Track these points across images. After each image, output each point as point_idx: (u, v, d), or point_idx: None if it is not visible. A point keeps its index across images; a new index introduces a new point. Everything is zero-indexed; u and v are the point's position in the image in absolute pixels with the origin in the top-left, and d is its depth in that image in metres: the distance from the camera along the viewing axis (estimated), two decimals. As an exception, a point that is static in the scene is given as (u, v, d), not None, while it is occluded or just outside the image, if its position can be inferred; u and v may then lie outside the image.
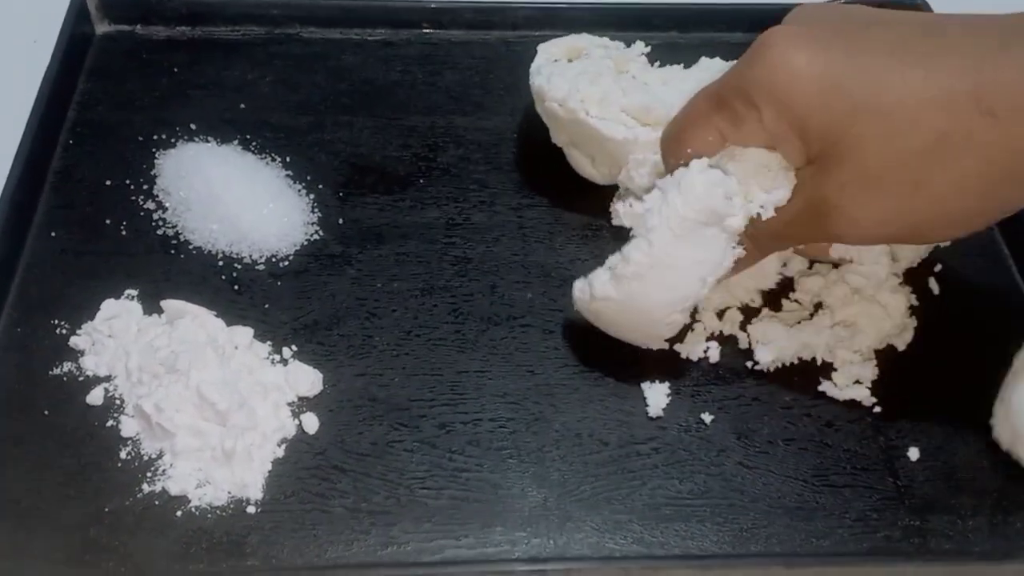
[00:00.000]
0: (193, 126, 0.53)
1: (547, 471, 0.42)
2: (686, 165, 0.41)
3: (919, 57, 0.36)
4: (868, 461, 0.43)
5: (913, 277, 0.48)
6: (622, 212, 0.45)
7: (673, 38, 0.59)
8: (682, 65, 0.52)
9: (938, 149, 0.36)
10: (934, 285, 0.49)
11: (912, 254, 0.48)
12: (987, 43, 0.36)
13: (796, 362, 0.46)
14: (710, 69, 0.51)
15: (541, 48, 0.52)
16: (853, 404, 0.44)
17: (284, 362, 0.44)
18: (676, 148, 0.42)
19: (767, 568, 0.40)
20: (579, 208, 0.51)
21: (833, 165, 0.38)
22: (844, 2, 0.42)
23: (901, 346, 0.46)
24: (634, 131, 0.47)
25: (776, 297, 0.48)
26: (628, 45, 0.53)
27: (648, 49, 0.53)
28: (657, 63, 0.53)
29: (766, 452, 0.43)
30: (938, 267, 0.49)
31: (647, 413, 0.43)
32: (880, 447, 0.43)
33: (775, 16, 0.58)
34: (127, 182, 0.50)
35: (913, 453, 0.43)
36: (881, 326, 0.46)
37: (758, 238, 0.41)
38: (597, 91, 0.48)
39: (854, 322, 0.46)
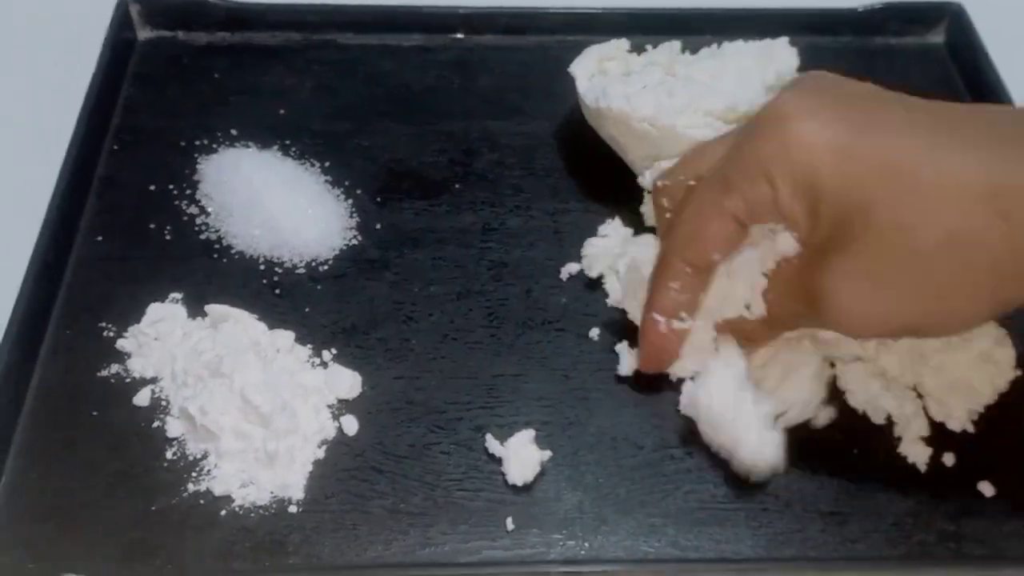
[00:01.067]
0: (234, 131, 0.54)
1: (582, 474, 0.42)
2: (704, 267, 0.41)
3: (936, 148, 0.35)
4: (902, 466, 0.43)
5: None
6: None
7: (708, 42, 0.58)
8: (715, 45, 0.53)
9: (948, 245, 0.35)
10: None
11: None
12: (1003, 141, 0.35)
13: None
14: (752, 51, 0.52)
15: (577, 70, 0.52)
16: (888, 409, 0.45)
17: (324, 365, 0.45)
18: (699, 251, 0.40)
19: (801, 572, 0.40)
20: (614, 213, 0.51)
21: (838, 251, 0.37)
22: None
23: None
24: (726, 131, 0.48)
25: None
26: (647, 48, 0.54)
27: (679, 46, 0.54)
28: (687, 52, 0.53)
29: (800, 456, 0.43)
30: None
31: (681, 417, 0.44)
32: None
33: (811, 20, 0.59)
34: (170, 187, 0.51)
35: (948, 459, 0.43)
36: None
37: (754, 328, 0.42)
38: (678, 102, 0.48)
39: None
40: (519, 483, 0.41)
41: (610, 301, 0.48)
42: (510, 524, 0.40)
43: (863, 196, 0.36)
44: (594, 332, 0.47)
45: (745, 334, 0.43)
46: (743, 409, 0.41)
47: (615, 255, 0.48)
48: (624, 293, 0.46)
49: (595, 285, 0.48)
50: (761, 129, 0.38)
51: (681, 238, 0.41)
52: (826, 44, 0.60)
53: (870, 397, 0.44)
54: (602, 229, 0.50)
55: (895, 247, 0.35)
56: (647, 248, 0.48)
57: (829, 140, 0.36)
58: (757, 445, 0.41)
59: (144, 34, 0.59)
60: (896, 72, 0.59)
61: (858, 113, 0.37)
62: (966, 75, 0.59)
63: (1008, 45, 0.58)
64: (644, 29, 0.59)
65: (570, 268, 0.49)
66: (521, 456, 0.41)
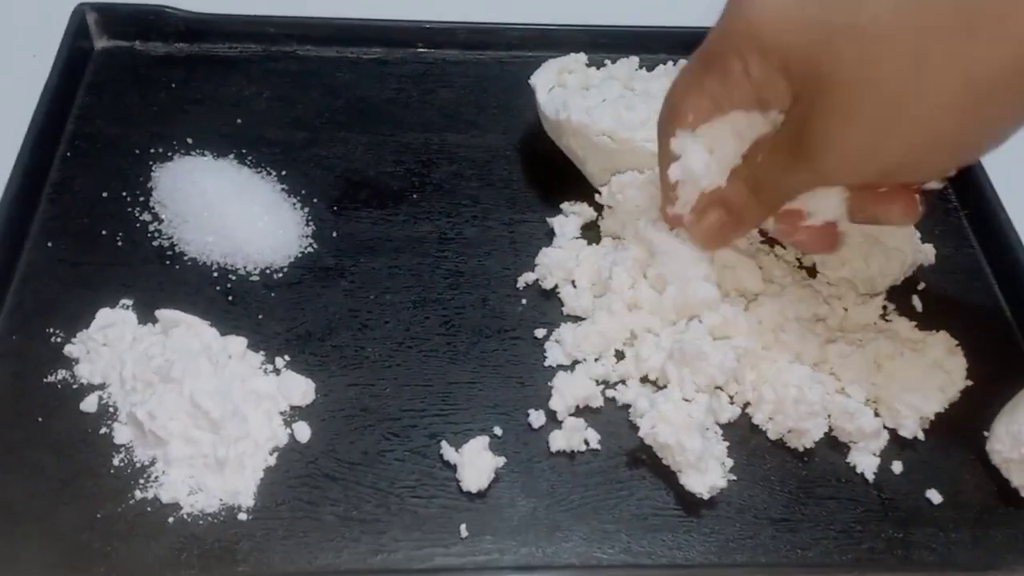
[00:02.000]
0: (190, 140, 0.53)
1: (536, 481, 0.42)
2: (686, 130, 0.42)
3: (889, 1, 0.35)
4: (852, 474, 0.43)
5: (896, 295, 0.49)
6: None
7: (663, 60, 0.59)
8: (671, 63, 0.54)
9: (915, 69, 0.35)
10: (917, 303, 0.49)
11: (897, 271, 0.49)
12: None
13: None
14: None
15: (538, 82, 0.53)
16: (838, 418, 0.45)
17: (277, 372, 0.44)
18: (673, 119, 0.43)
19: (753, 578, 0.41)
20: (570, 224, 0.51)
21: (816, 98, 0.38)
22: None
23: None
24: None
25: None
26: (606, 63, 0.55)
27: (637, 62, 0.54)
28: (643, 69, 0.55)
29: (752, 464, 0.43)
30: (921, 285, 0.50)
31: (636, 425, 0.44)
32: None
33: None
34: (123, 194, 0.51)
35: (897, 467, 0.44)
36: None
37: (759, 190, 0.42)
38: (637, 116, 0.49)
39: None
40: (473, 490, 0.41)
41: (565, 310, 0.48)
42: (464, 531, 0.40)
43: (825, 45, 0.37)
44: (549, 340, 0.47)
45: (729, 204, 0.44)
46: (696, 447, 0.41)
47: (570, 266, 0.49)
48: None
49: (550, 294, 0.49)
50: (728, 9, 0.40)
51: (664, 113, 0.44)
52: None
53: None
54: (557, 240, 0.50)
55: (865, 77, 0.36)
56: (602, 257, 0.48)
57: (788, 7, 0.38)
58: (703, 482, 0.41)
59: (101, 43, 0.58)
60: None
61: None
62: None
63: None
64: (600, 47, 0.59)
65: (526, 277, 0.49)
66: (475, 463, 0.41)
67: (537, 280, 0.49)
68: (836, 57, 0.37)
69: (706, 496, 0.41)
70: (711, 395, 0.44)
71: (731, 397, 0.45)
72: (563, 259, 0.49)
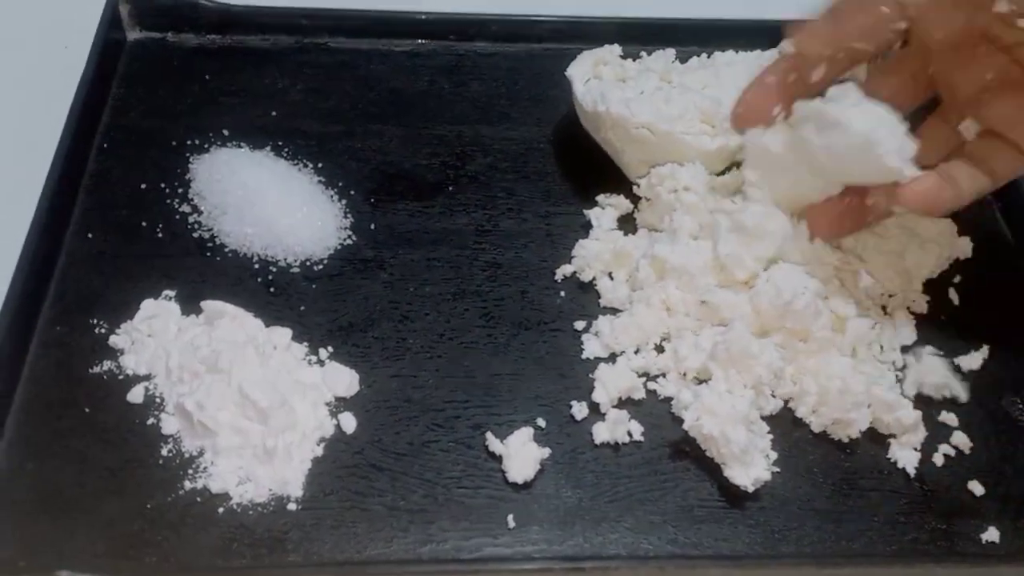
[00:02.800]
0: (226, 132, 0.54)
1: (581, 472, 0.42)
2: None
3: None
4: (894, 467, 0.43)
5: (934, 287, 0.49)
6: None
7: (696, 52, 0.59)
8: (705, 56, 0.55)
9: None
10: (954, 296, 0.50)
11: (933, 263, 0.49)
12: None
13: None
14: (744, 61, 0.53)
15: (574, 74, 0.53)
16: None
17: (321, 363, 0.44)
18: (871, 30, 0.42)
19: (799, 568, 0.41)
20: (606, 216, 0.51)
21: None
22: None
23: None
24: (721, 139, 0.49)
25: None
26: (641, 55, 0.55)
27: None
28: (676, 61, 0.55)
29: (796, 456, 0.43)
30: (957, 278, 0.50)
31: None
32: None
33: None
34: (162, 186, 0.51)
35: (938, 459, 0.44)
36: None
37: (984, 160, 0.43)
38: (675, 108, 0.49)
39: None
40: (519, 481, 0.41)
41: (603, 302, 0.48)
42: (511, 521, 0.40)
43: None
44: (589, 332, 0.47)
45: (956, 180, 0.43)
46: (741, 440, 0.41)
47: (607, 258, 0.49)
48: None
49: (588, 287, 0.49)
50: None
51: (848, 25, 0.42)
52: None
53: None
54: (594, 232, 0.50)
55: None
56: (639, 248, 0.48)
57: None
58: (748, 475, 0.41)
59: (134, 35, 0.58)
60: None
61: None
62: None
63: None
64: (632, 38, 0.59)
65: (564, 269, 0.49)
66: (521, 454, 0.42)
67: (575, 272, 0.49)
68: None
69: (751, 489, 0.41)
70: (755, 390, 0.44)
71: (772, 392, 0.45)
72: (600, 251, 0.49)
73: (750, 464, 0.41)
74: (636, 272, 0.47)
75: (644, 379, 0.45)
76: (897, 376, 0.46)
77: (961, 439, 0.44)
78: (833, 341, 0.45)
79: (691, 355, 0.45)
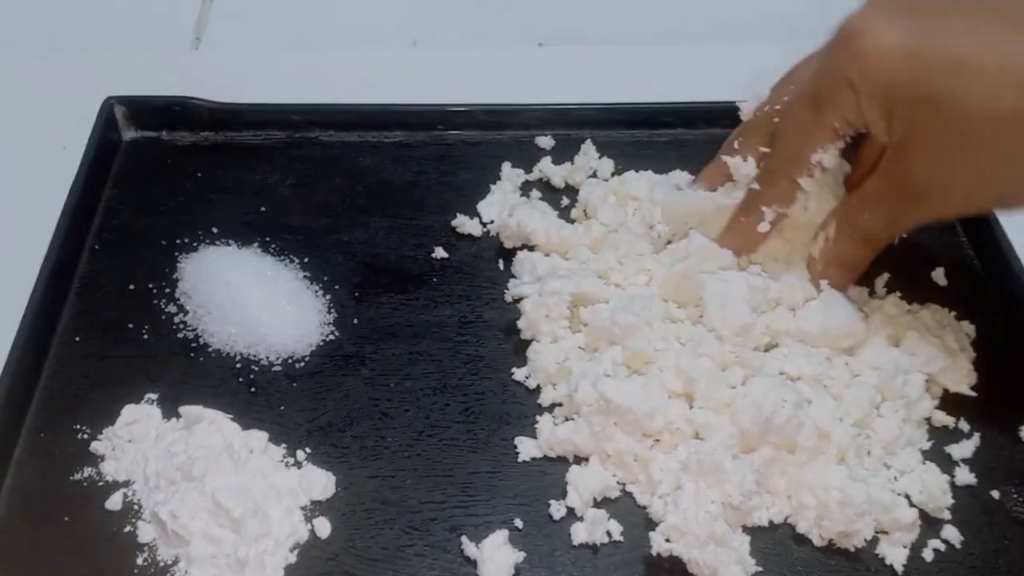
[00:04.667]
0: (215, 229, 0.55)
1: (558, 575, 0.42)
2: (810, 175, 0.46)
3: (995, 37, 0.39)
4: (883, 563, 0.42)
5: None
6: None
7: (680, 135, 0.60)
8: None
9: (1014, 122, 0.39)
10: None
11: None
12: None
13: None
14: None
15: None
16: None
17: (298, 465, 0.44)
18: (798, 166, 0.46)
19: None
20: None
21: (920, 138, 0.41)
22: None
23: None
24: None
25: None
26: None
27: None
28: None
29: (779, 554, 0.42)
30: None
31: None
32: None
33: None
34: (150, 286, 0.52)
35: (928, 554, 0.43)
36: None
37: (868, 241, 0.46)
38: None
39: None
40: (494, 586, 0.41)
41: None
42: (485, 629, 0.40)
43: (933, 90, 0.40)
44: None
45: (844, 262, 0.47)
46: (710, 560, 0.40)
47: (551, 371, 0.48)
48: None
49: (572, 379, 0.48)
50: (838, 45, 0.43)
51: (784, 157, 0.47)
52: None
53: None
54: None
55: (973, 115, 0.39)
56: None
57: (897, 45, 0.41)
58: None
59: (129, 134, 0.60)
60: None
61: (922, 17, 0.41)
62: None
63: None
64: (617, 124, 0.60)
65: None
66: (495, 559, 0.41)
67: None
68: (959, 89, 0.39)
69: None
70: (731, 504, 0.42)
71: (768, 512, 0.43)
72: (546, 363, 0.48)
73: None
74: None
75: (618, 482, 0.44)
76: (888, 471, 0.45)
77: (952, 533, 0.43)
78: (821, 448, 0.44)
79: (664, 469, 0.43)
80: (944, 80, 0.40)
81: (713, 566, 0.40)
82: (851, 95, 0.42)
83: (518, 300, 0.51)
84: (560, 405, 0.47)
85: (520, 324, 0.50)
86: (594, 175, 0.57)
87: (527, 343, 0.50)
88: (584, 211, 0.56)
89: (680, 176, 0.55)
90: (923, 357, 0.47)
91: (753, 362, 0.46)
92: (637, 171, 0.56)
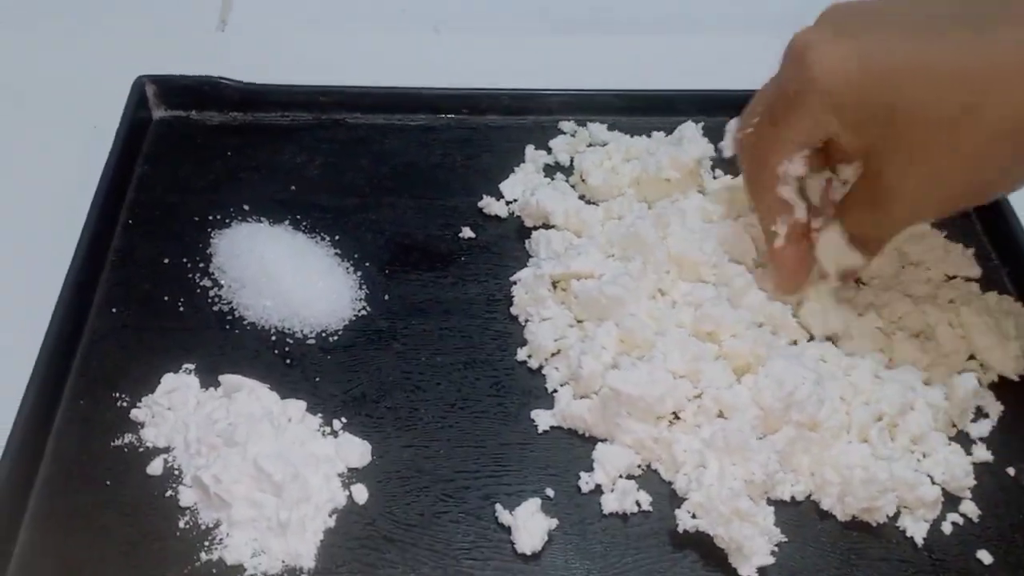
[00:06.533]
0: (246, 207, 0.55)
1: (590, 543, 0.43)
2: (786, 184, 0.46)
3: (934, 44, 0.40)
4: (902, 536, 0.44)
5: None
6: None
7: (699, 120, 0.61)
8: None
9: (964, 119, 0.40)
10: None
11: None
12: (986, 19, 0.40)
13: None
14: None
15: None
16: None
17: (335, 434, 0.45)
18: (770, 178, 0.46)
19: (808, 639, 0.41)
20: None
21: (881, 147, 0.42)
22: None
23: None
24: None
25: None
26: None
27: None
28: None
29: (805, 526, 0.44)
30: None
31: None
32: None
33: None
34: (184, 260, 0.53)
35: (947, 527, 0.44)
36: None
37: (861, 243, 0.47)
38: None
39: None
40: (528, 552, 0.42)
41: None
42: (519, 593, 0.41)
43: (884, 100, 0.41)
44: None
45: (843, 267, 0.48)
46: (735, 536, 0.41)
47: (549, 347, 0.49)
48: None
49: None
50: (788, 62, 0.44)
51: (755, 173, 0.47)
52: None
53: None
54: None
55: (925, 122, 0.41)
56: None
57: (843, 60, 0.42)
58: (750, 564, 0.41)
59: (159, 113, 0.61)
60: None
61: (866, 30, 0.42)
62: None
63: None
64: (636, 110, 0.61)
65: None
66: (529, 525, 0.42)
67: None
68: (904, 97, 0.41)
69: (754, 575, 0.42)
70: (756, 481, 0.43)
71: (792, 488, 0.44)
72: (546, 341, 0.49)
73: (751, 554, 0.41)
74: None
75: (642, 460, 0.45)
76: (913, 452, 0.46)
77: (970, 507, 0.45)
78: (844, 427, 0.45)
79: (688, 449, 0.44)
80: (891, 90, 0.41)
81: (739, 540, 0.41)
82: (804, 110, 0.43)
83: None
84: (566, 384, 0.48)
85: (513, 311, 0.51)
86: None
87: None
88: (581, 177, 0.57)
89: (689, 128, 0.57)
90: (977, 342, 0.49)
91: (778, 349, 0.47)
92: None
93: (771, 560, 0.41)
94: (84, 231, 0.52)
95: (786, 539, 0.43)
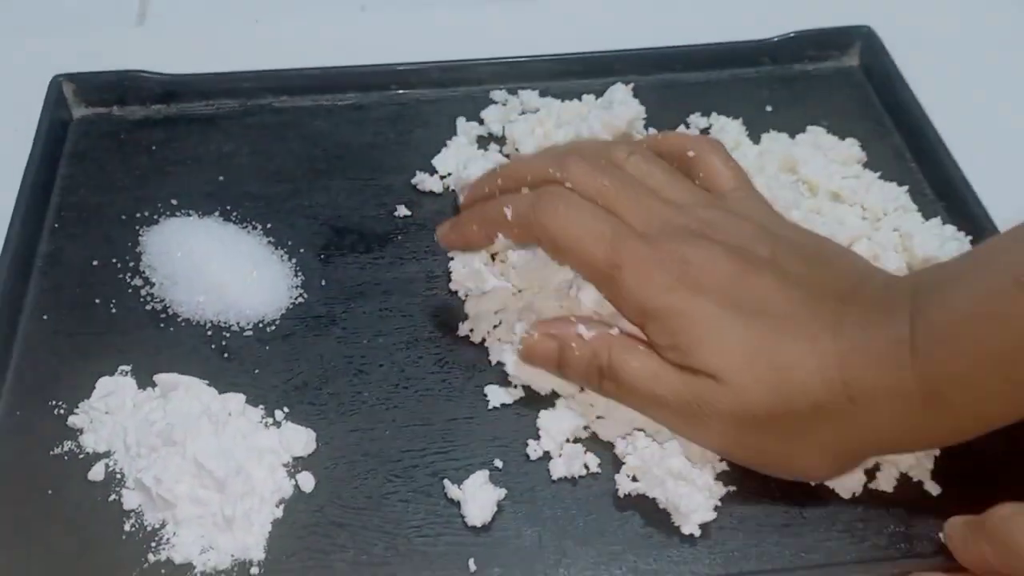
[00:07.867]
0: (174, 201, 0.54)
1: (540, 509, 0.43)
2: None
3: (807, 341, 0.40)
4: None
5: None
6: None
7: (634, 81, 0.61)
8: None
9: (813, 414, 0.40)
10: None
11: None
12: (850, 326, 0.40)
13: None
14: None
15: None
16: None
17: (277, 424, 0.45)
18: (495, 228, 0.46)
19: (761, 585, 0.41)
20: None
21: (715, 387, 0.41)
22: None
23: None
24: None
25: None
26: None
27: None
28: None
29: (751, 473, 0.44)
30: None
31: (633, 444, 0.45)
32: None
33: (733, 53, 0.61)
34: (113, 260, 0.52)
35: (899, 466, 0.44)
36: None
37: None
38: None
39: None
40: (478, 524, 0.42)
41: None
42: (472, 565, 0.41)
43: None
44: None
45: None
46: (671, 496, 0.42)
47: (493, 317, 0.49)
48: None
49: (540, 323, 0.49)
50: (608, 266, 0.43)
51: (494, 211, 0.46)
52: (750, 75, 0.62)
53: None
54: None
55: (775, 406, 0.40)
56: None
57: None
58: (691, 521, 0.42)
59: (79, 112, 0.59)
60: (818, 96, 0.61)
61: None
62: (882, 95, 0.61)
63: (919, 63, 0.61)
64: (572, 74, 0.61)
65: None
66: (477, 497, 0.42)
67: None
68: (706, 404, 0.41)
69: (697, 533, 0.42)
70: None
71: None
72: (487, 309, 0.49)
73: (689, 512, 0.41)
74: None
75: (585, 423, 0.45)
76: None
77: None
78: None
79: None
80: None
81: (675, 501, 0.41)
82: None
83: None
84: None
85: (452, 286, 0.51)
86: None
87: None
88: (515, 147, 0.57)
89: (619, 91, 0.57)
90: None
91: None
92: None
93: (713, 515, 0.42)
94: (8, 238, 0.50)
95: (734, 488, 0.43)
